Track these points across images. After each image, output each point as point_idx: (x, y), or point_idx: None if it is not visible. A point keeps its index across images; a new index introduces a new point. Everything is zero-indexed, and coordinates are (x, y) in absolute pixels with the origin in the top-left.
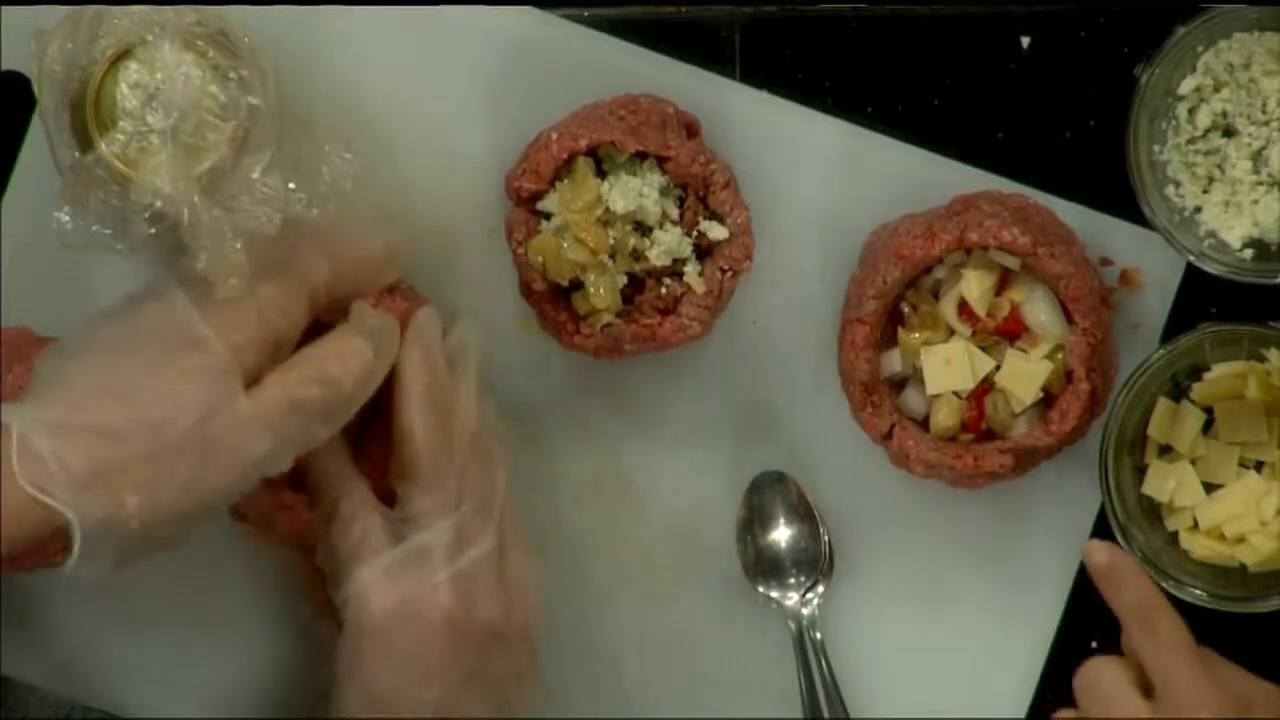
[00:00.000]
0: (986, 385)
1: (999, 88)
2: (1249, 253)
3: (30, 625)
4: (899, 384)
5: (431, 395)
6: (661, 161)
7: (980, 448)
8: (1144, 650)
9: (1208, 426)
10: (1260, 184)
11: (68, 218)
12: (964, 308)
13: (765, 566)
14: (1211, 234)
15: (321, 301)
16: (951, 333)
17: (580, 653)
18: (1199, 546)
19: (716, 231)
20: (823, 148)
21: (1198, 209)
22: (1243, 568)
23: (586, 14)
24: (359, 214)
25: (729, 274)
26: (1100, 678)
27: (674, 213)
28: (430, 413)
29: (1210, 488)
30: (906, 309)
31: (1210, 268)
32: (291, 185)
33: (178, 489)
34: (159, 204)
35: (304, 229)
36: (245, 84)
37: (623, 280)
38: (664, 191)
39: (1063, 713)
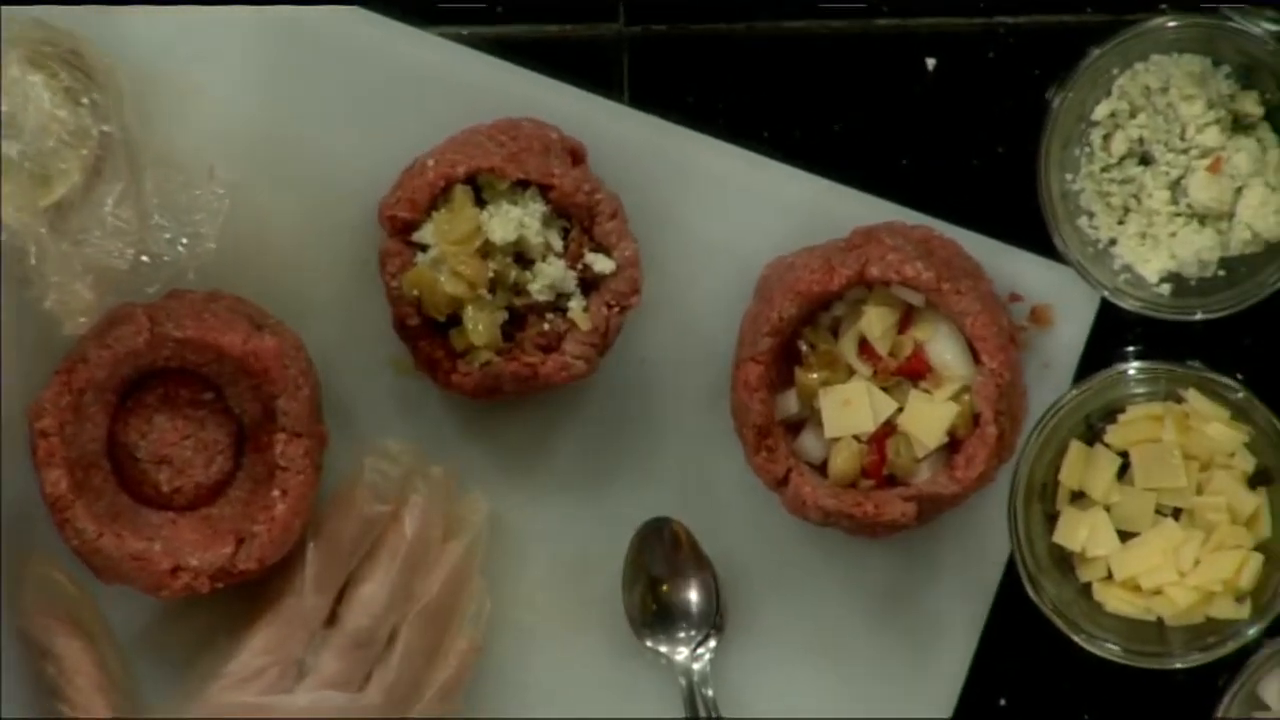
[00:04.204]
0: (888, 428)
1: (902, 112)
2: (1166, 288)
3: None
4: (795, 426)
5: (413, 554)
6: (544, 190)
7: (881, 495)
8: None
9: (1123, 471)
10: (1178, 215)
11: None
12: (864, 346)
13: (653, 619)
14: (1127, 268)
15: None
16: (851, 372)
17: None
18: (1113, 599)
19: (602, 264)
20: (715, 176)
21: (1112, 241)
22: (1160, 621)
23: (465, 32)
24: None
25: (615, 309)
26: None
27: (557, 244)
28: (399, 571)
29: (1125, 536)
30: (804, 347)
31: (1126, 304)
32: (157, 219)
33: None
34: (4, 236)
35: None
36: (98, 109)
37: (503, 316)
38: (546, 222)
39: None
